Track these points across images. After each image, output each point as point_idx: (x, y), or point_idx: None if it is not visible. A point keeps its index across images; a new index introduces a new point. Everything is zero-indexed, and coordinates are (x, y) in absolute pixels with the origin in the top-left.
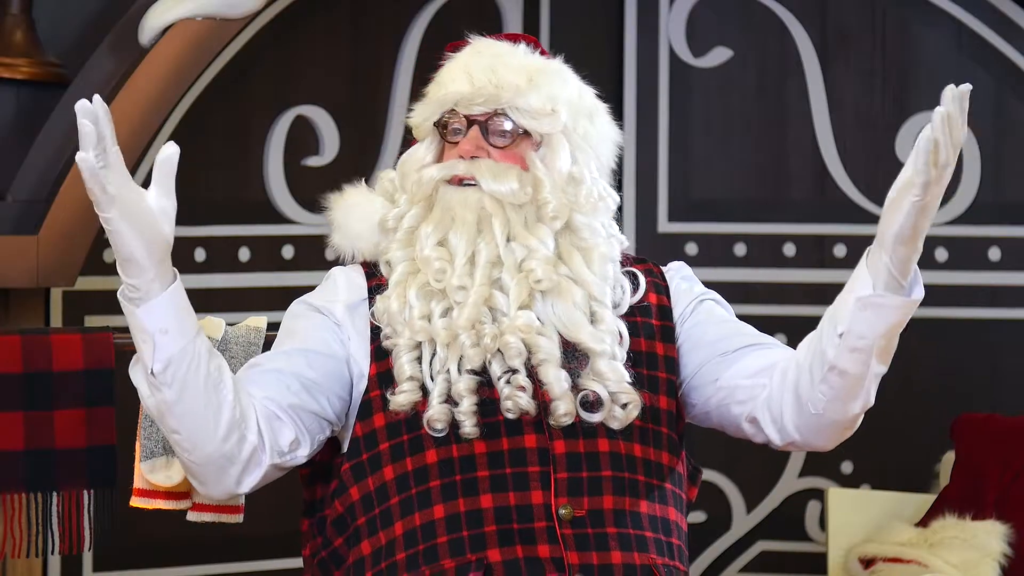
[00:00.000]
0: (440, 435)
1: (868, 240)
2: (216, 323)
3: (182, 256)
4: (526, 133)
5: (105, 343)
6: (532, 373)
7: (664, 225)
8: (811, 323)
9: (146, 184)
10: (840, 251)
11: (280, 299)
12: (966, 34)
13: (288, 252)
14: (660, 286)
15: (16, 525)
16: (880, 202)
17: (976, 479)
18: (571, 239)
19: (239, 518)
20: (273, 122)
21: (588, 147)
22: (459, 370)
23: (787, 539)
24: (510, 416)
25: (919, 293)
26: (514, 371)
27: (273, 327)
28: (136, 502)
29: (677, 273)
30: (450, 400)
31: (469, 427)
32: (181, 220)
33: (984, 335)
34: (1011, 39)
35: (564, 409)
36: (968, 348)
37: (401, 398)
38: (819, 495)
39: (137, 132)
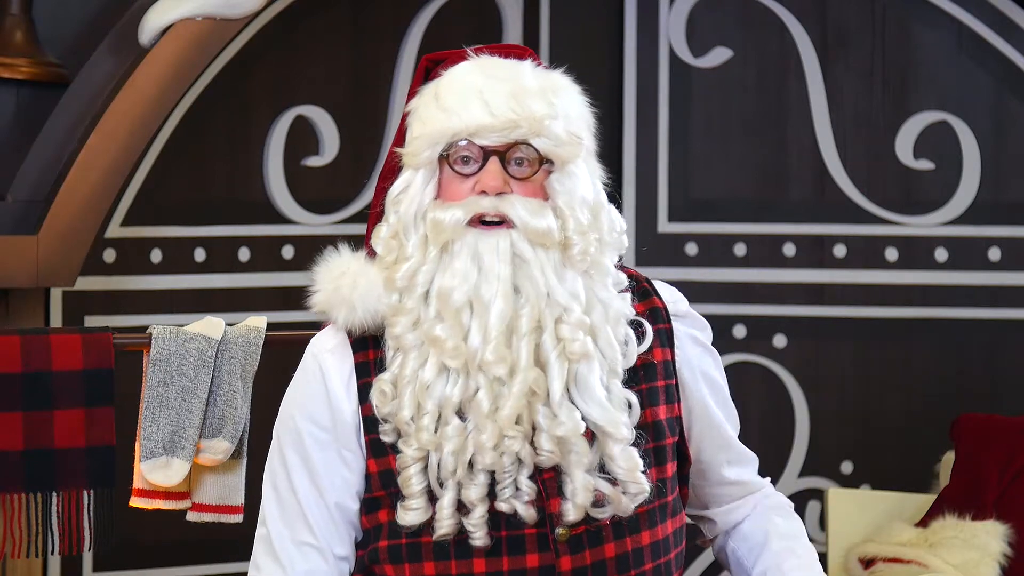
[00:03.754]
0: (442, 541)
1: (868, 240)
2: (216, 323)
3: (182, 256)
4: (546, 160)
5: (105, 343)
6: (536, 472)
7: (664, 225)
8: (811, 323)
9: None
10: (840, 251)
11: (280, 299)
12: (966, 34)
13: (288, 252)
14: (665, 336)
15: (16, 525)
16: (880, 202)
17: (976, 479)
18: (594, 289)
19: (239, 518)
20: (273, 122)
21: (597, 165)
22: (470, 468)
23: None
24: (504, 508)
25: None
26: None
27: (273, 327)
28: (136, 502)
29: (687, 332)
30: (459, 506)
31: (480, 538)
32: (181, 220)
33: (984, 335)
34: (1011, 39)
35: (574, 516)
36: (968, 348)
37: (411, 517)
38: (819, 495)
39: (137, 132)
